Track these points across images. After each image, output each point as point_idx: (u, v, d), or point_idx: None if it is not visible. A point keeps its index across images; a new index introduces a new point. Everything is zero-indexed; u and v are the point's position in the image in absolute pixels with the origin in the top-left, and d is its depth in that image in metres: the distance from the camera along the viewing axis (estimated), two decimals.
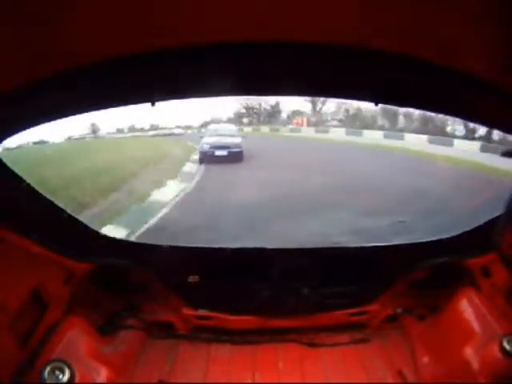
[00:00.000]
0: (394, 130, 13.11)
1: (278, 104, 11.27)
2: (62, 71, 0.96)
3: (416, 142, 12.11)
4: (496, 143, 10.63)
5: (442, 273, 2.18)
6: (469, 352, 1.71)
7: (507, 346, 1.57)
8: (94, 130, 14.20)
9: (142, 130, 15.22)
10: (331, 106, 10.48)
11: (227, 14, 0.80)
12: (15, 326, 1.45)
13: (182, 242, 3.24)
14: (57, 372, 1.46)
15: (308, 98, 10.50)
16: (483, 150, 11.09)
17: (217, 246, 2.27)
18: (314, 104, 10.24)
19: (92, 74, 0.99)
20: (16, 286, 1.50)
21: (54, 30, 0.79)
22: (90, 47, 0.90)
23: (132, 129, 14.83)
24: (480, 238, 1.79)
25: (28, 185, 1.46)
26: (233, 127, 12.11)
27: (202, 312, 2.22)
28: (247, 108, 12.59)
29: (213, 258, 2.21)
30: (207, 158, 9.74)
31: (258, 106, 12.65)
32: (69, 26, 0.79)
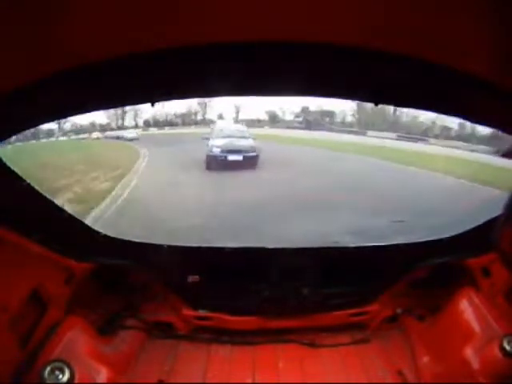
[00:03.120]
0: None
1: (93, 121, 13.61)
2: (62, 71, 0.96)
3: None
4: None
5: (442, 273, 2.18)
6: (469, 352, 1.71)
7: (507, 346, 1.57)
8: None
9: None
10: (127, 119, 13.50)
11: (227, 13, 0.80)
12: (15, 326, 1.45)
13: None
14: (57, 372, 1.46)
15: (111, 115, 12.93)
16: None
17: (217, 245, 2.27)
18: (117, 120, 13.22)
19: (92, 74, 0.99)
20: (16, 286, 1.49)
21: (54, 30, 0.79)
22: (90, 47, 0.90)
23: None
24: (480, 238, 1.78)
25: (28, 185, 1.46)
26: (242, 127, 9.97)
27: (201, 312, 2.22)
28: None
29: (213, 258, 2.21)
30: (217, 165, 7.70)
31: None
32: (69, 25, 0.79)
